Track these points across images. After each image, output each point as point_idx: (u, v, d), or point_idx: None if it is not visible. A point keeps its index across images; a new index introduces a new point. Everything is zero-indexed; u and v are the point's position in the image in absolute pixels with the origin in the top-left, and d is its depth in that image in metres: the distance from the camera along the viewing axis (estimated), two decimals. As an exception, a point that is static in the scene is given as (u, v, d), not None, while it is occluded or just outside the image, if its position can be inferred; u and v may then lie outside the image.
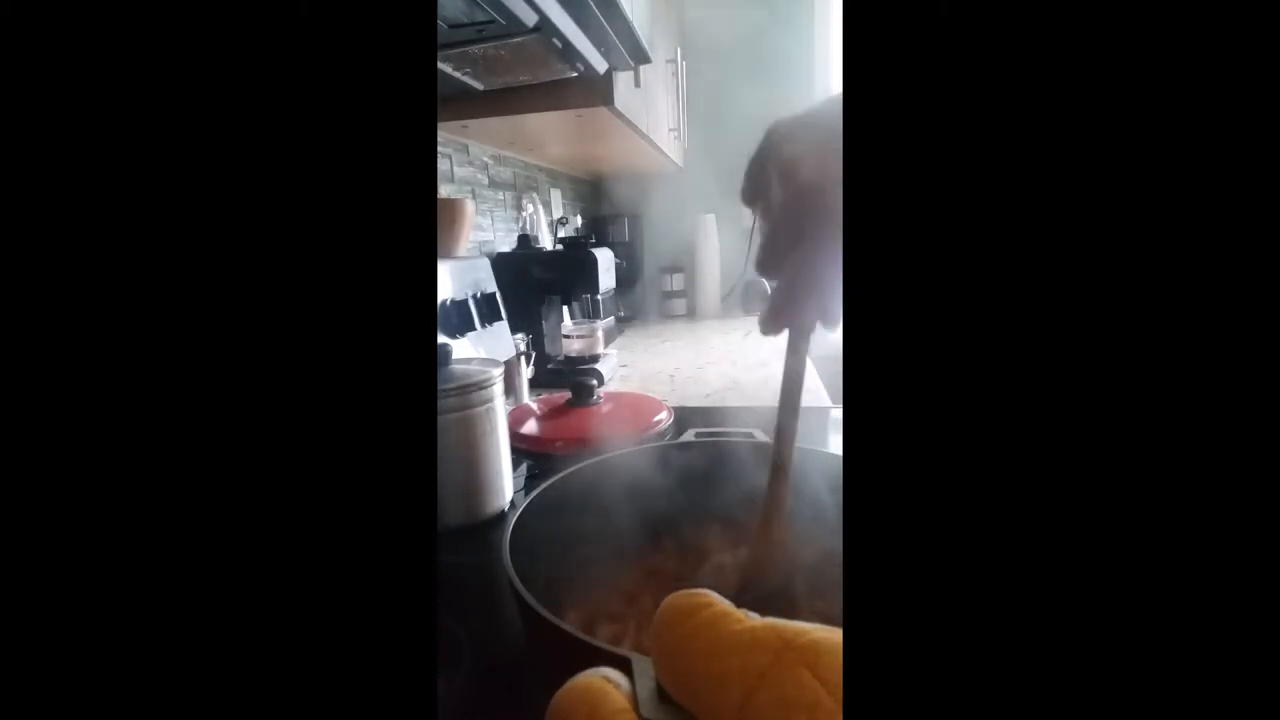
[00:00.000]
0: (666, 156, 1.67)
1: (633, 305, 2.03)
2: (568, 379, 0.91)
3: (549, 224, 1.58)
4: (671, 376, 1.22)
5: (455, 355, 0.60)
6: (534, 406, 0.89)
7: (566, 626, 0.27)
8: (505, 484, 0.61)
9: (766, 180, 0.31)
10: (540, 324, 1.21)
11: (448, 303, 0.92)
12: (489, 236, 1.37)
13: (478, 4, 0.62)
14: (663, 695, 0.23)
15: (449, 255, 0.98)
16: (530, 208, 1.43)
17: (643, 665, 0.23)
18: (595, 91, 1.00)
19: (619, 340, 1.67)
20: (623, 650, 0.24)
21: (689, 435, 0.51)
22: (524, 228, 1.40)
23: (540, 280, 1.20)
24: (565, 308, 1.28)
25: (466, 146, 1.27)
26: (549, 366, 1.18)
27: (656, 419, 0.82)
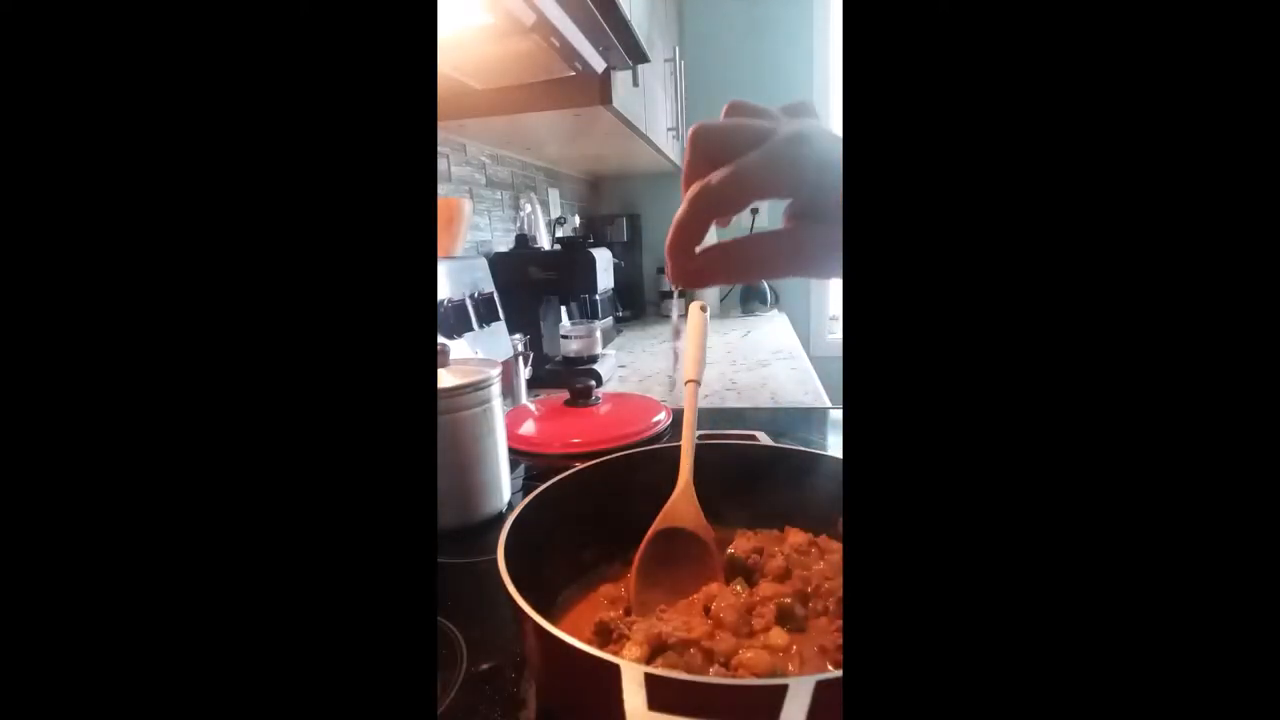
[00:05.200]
0: (665, 156, 1.67)
1: (631, 305, 2.03)
2: (566, 380, 0.91)
3: (547, 224, 1.58)
4: (670, 377, 1.22)
5: (453, 356, 0.60)
6: (532, 407, 0.89)
7: (557, 632, 0.27)
8: (503, 485, 0.60)
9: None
10: (538, 324, 1.21)
11: (445, 303, 0.92)
12: (486, 236, 1.36)
13: (477, 3, 0.61)
14: (652, 704, 0.23)
15: (446, 255, 0.98)
16: (528, 207, 1.43)
17: (632, 673, 0.23)
18: (593, 91, 1.00)
19: (617, 340, 1.67)
20: (613, 657, 0.24)
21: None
22: (522, 228, 1.40)
23: (538, 280, 1.20)
24: (563, 308, 1.28)
25: (464, 146, 1.27)
26: (547, 367, 1.18)
27: (655, 420, 0.82)
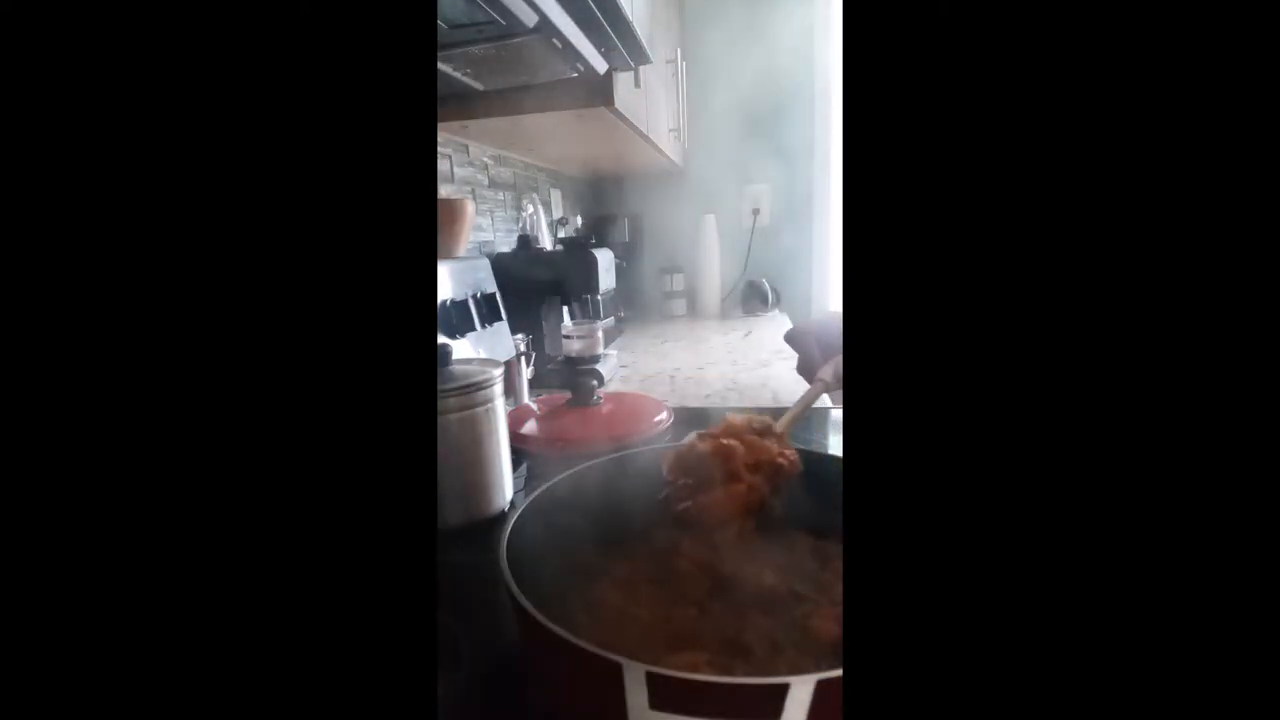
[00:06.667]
0: (666, 156, 1.66)
1: (633, 305, 2.03)
2: (568, 379, 0.91)
3: (549, 224, 1.58)
4: (671, 377, 1.22)
5: (455, 356, 0.60)
6: (534, 407, 0.89)
7: (558, 630, 0.27)
8: (505, 484, 0.60)
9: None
10: (540, 324, 1.21)
11: (448, 303, 0.92)
12: (489, 237, 1.36)
13: (478, 4, 0.61)
14: (653, 702, 0.23)
15: (449, 256, 0.98)
16: (530, 208, 1.43)
17: (634, 672, 0.23)
18: (595, 92, 1.00)
19: (619, 340, 1.67)
20: (615, 655, 0.25)
21: (693, 437, 0.51)
22: (524, 228, 1.40)
23: (540, 281, 1.20)
24: (565, 308, 1.28)
25: (466, 147, 1.27)
26: (549, 367, 1.18)
27: (657, 419, 0.82)
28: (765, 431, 0.46)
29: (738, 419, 0.46)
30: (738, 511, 0.42)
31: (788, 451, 0.45)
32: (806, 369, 0.55)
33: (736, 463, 0.43)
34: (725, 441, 0.44)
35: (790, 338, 0.56)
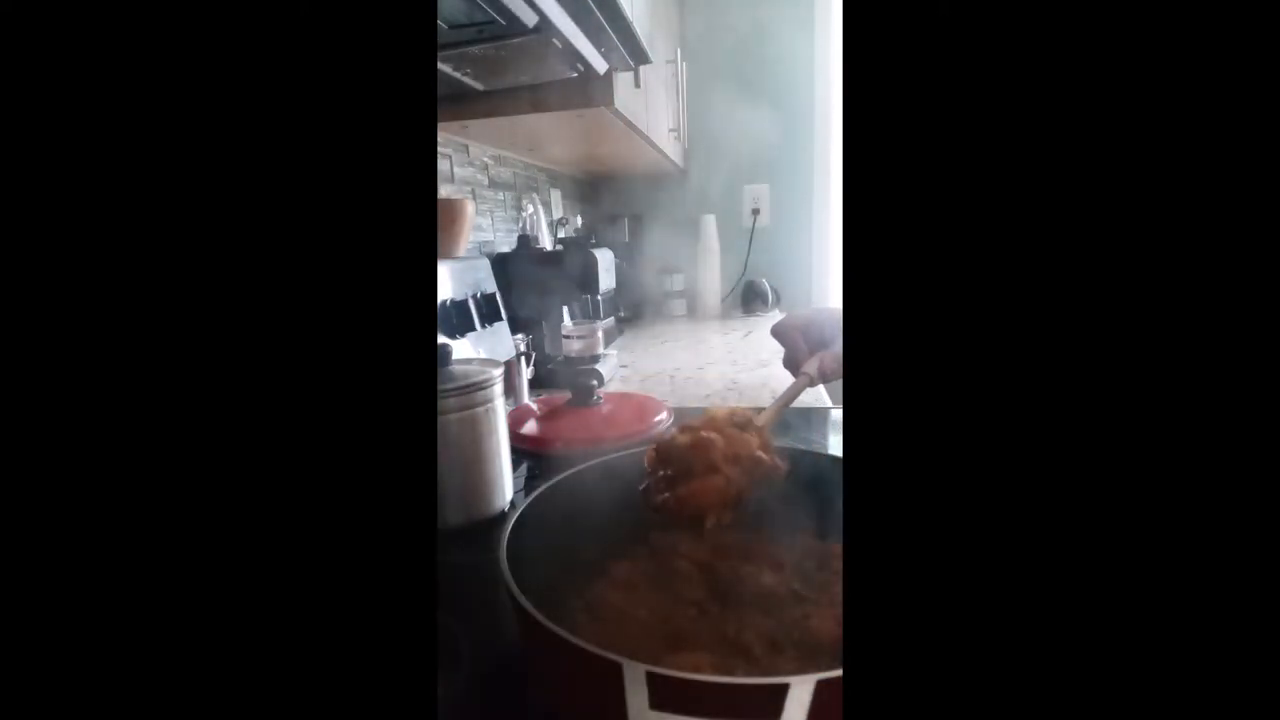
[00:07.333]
0: (666, 157, 1.66)
1: (633, 305, 2.03)
2: (568, 379, 0.91)
3: (549, 224, 1.58)
4: (671, 377, 1.22)
5: (455, 356, 0.60)
6: (534, 407, 0.89)
7: (558, 630, 0.27)
8: (505, 484, 0.60)
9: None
10: (540, 324, 1.21)
11: (448, 303, 0.92)
12: (489, 237, 1.37)
13: (478, 4, 0.62)
14: (653, 702, 0.23)
15: (449, 256, 0.98)
16: (530, 208, 1.43)
17: (634, 672, 0.23)
18: (595, 92, 1.00)
19: (619, 340, 1.67)
20: (615, 655, 0.25)
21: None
22: (524, 228, 1.40)
23: (540, 281, 1.20)
24: (565, 308, 1.28)
25: (466, 147, 1.27)
26: (549, 367, 1.18)
27: (657, 419, 0.82)
28: (746, 425, 0.46)
29: (719, 411, 0.46)
30: (715, 503, 0.42)
31: (767, 445, 0.45)
32: (792, 363, 0.54)
33: (715, 455, 0.43)
34: (704, 434, 0.44)
35: (776, 332, 0.55)
